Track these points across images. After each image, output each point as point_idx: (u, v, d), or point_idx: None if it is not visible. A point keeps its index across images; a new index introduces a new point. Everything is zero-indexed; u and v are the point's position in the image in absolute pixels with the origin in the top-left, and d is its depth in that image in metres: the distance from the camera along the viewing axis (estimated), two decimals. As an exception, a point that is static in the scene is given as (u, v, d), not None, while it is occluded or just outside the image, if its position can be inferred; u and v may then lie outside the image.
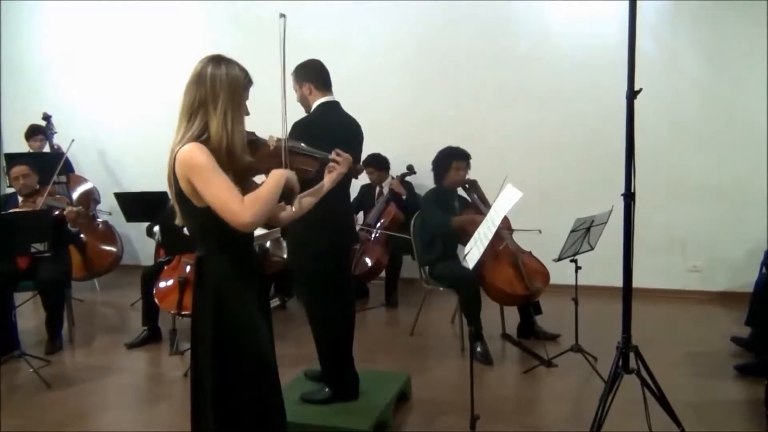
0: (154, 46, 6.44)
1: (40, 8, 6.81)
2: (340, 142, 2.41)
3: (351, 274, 3.67)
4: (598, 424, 2.52)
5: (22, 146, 5.94)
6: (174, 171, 1.79)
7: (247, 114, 1.90)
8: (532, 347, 3.74)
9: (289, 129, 2.39)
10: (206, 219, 1.80)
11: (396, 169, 5.46)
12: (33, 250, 3.84)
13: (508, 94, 5.50)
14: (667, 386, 2.64)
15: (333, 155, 2.18)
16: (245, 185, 1.90)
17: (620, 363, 2.60)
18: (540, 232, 4.00)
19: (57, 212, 4.20)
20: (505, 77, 5.49)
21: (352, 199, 4.36)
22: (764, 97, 4.83)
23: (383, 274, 5.27)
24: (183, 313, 3.86)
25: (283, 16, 2.03)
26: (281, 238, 4.88)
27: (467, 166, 4.26)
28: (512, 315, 4.24)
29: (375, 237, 5.21)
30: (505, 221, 4.14)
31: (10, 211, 4.25)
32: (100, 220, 5.81)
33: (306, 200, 2.14)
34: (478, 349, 3.79)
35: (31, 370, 3.70)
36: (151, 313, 4.31)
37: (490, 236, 2.90)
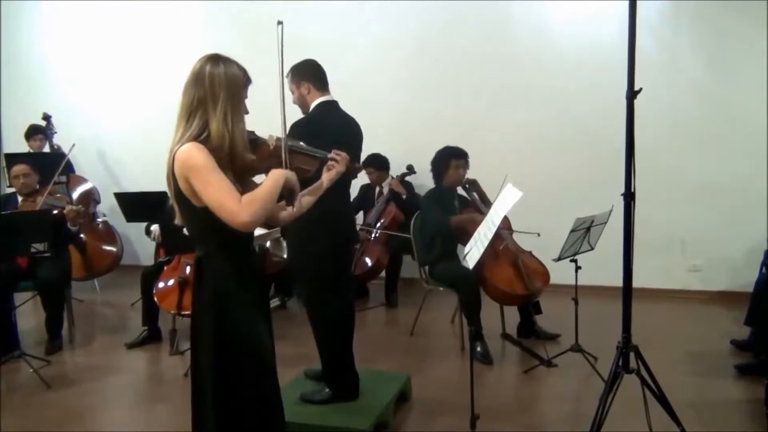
0: (154, 46, 6.45)
1: (40, 8, 6.82)
2: (340, 141, 2.41)
3: (351, 274, 3.67)
4: (598, 424, 2.52)
5: (22, 146, 5.94)
6: (173, 171, 1.79)
7: (247, 113, 1.90)
8: (532, 347, 3.75)
9: (288, 129, 2.38)
10: (205, 219, 1.80)
11: (396, 169, 5.46)
12: (33, 250, 3.84)
13: (508, 94, 5.50)
14: (667, 386, 2.63)
15: (332, 154, 2.18)
16: (245, 184, 1.90)
17: (620, 363, 2.60)
18: (539, 235, 3.98)
19: (56, 211, 4.20)
20: (505, 77, 5.48)
21: (352, 199, 4.36)
22: (764, 97, 4.83)
23: (383, 274, 5.27)
24: (183, 313, 3.86)
25: (280, 23, 2.03)
26: (281, 238, 4.88)
27: (466, 165, 4.26)
28: (512, 315, 4.24)
29: (375, 237, 5.22)
30: (505, 221, 4.14)
31: (10, 211, 4.25)
32: (99, 220, 5.82)
33: (305, 199, 2.14)
34: (478, 349, 3.79)
35: (31, 370, 3.70)
36: (151, 313, 4.31)
37: (490, 236, 2.91)
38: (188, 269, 3.94)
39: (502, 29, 5.50)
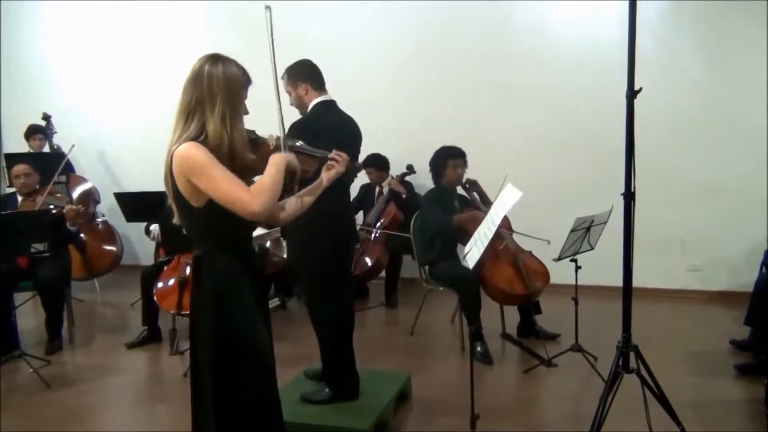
0: (154, 45, 6.45)
1: (40, 8, 6.82)
2: (339, 141, 2.41)
3: (351, 274, 3.67)
4: (598, 424, 2.52)
5: (22, 146, 5.94)
6: (171, 170, 1.79)
7: (246, 113, 1.90)
8: (532, 347, 3.75)
9: (287, 129, 2.38)
10: (204, 218, 1.80)
11: (396, 169, 5.46)
12: (33, 250, 3.84)
13: (508, 94, 5.50)
14: (667, 386, 2.63)
15: (333, 155, 2.18)
16: (246, 184, 1.90)
17: (620, 362, 2.60)
18: (549, 242, 3.81)
19: (56, 210, 4.20)
20: (505, 77, 5.48)
21: (352, 199, 4.36)
22: (764, 97, 4.83)
23: (383, 273, 5.27)
24: (183, 312, 3.86)
25: (268, 8, 2.03)
26: (281, 238, 4.88)
27: (464, 164, 4.26)
28: (512, 314, 4.24)
29: (375, 237, 5.21)
30: (505, 221, 4.14)
31: (10, 211, 4.25)
32: (99, 219, 5.82)
33: (306, 199, 2.14)
34: (478, 348, 3.80)
35: (31, 370, 3.70)
36: (151, 312, 4.31)
37: (490, 236, 2.91)
38: (188, 269, 3.93)
39: (502, 29, 5.50)
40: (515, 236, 4.22)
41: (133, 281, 4.76)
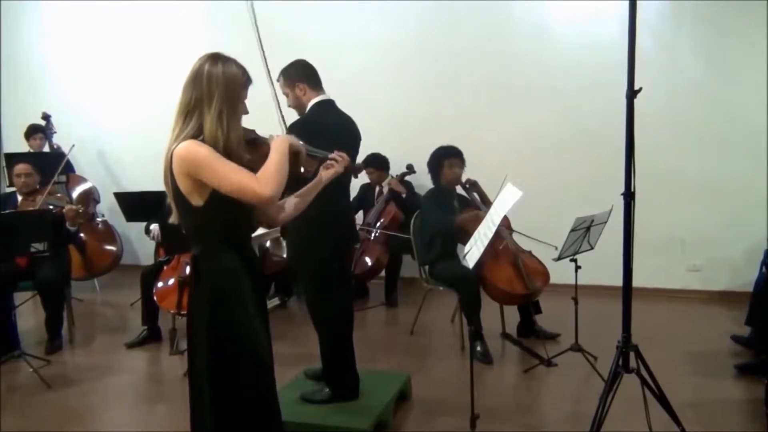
0: (154, 45, 6.44)
1: (40, 8, 6.81)
2: (338, 141, 2.41)
3: (351, 273, 3.67)
4: (598, 424, 2.52)
5: (22, 146, 5.94)
6: (171, 169, 1.79)
7: (246, 113, 1.90)
8: (532, 346, 3.76)
9: (286, 127, 2.38)
10: (203, 217, 1.80)
11: (396, 168, 5.46)
12: (32, 249, 3.84)
13: (508, 94, 5.50)
14: (667, 386, 2.63)
15: (333, 155, 2.18)
16: None
17: (620, 362, 2.60)
18: (556, 248, 3.66)
19: (56, 210, 4.20)
20: (505, 77, 5.48)
21: (351, 199, 4.36)
22: (764, 97, 4.83)
23: (383, 273, 5.27)
24: (183, 312, 3.84)
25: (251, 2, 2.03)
26: (281, 238, 4.88)
27: (461, 164, 4.25)
28: (512, 314, 4.24)
29: (375, 236, 5.21)
30: (505, 220, 4.14)
31: (10, 210, 4.25)
32: (99, 219, 5.82)
33: (304, 198, 2.14)
34: (478, 348, 3.79)
35: (31, 370, 3.70)
36: (150, 312, 4.31)
37: (490, 235, 2.91)
38: (188, 269, 3.92)
39: (502, 29, 5.49)
40: (515, 236, 4.23)
41: (133, 281, 4.76)
